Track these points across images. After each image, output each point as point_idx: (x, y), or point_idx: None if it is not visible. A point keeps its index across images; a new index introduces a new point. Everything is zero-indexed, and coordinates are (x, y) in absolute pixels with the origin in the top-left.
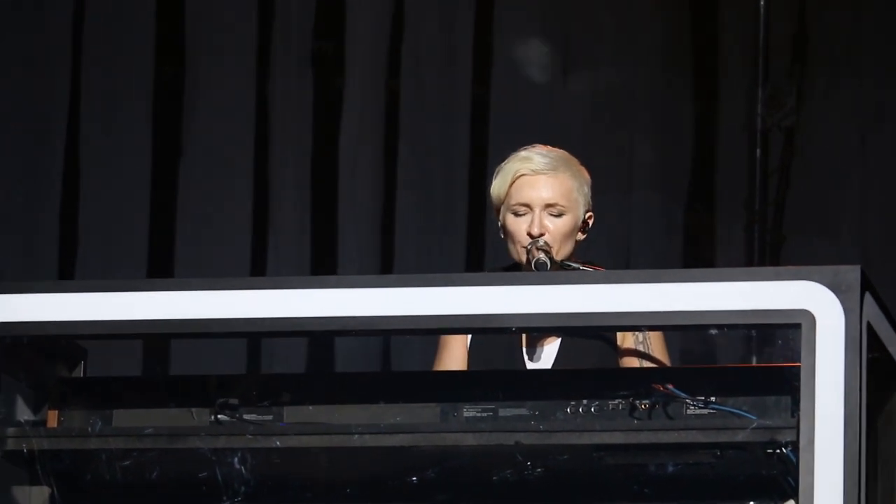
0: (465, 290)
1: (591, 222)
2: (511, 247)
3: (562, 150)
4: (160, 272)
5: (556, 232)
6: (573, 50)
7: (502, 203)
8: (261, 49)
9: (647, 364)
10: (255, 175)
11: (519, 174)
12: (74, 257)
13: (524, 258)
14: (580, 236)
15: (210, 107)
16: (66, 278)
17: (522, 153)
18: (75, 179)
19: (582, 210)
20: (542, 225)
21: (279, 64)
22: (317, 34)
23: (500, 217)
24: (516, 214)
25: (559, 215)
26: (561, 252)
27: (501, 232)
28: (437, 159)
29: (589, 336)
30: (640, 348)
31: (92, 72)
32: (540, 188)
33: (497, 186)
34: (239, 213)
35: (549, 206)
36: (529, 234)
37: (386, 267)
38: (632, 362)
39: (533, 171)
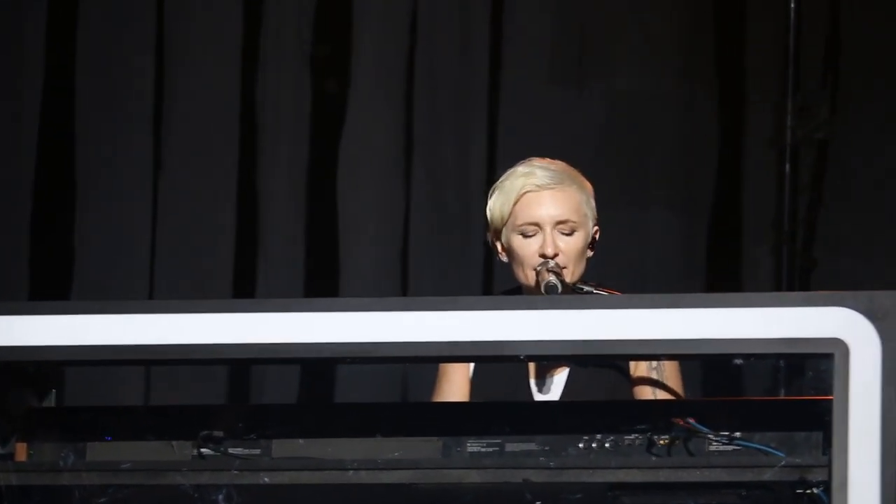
0: (471, 314)
1: (597, 237)
2: (519, 270)
3: (561, 162)
4: (147, 293)
5: (570, 251)
6: (587, 57)
7: (505, 224)
8: (249, 49)
9: (659, 394)
10: (244, 192)
11: (523, 191)
12: (67, 277)
13: (534, 282)
14: (589, 253)
15: (192, 115)
16: (38, 300)
17: (521, 168)
18: (47, 194)
19: (591, 225)
20: (555, 245)
21: (270, 67)
22: (317, 34)
23: (503, 239)
24: (524, 235)
25: (571, 233)
26: (575, 272)
27: (504, 255)
28: (451, 173)
29: (599, 364)
30: (654, 376)
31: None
32: (548, 205)
33: (498, 206)
34: (226, 234)
35: (559, 223)
36: (543, 256)
37: (392, 295)
38: (644, 392)
39: (538, 186)
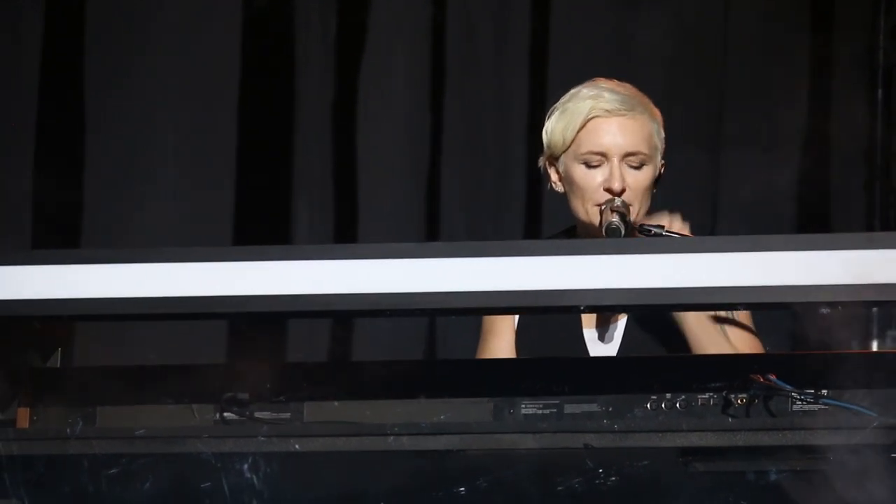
0: (524, 260)
1: (663, 173)
2: (578, 204)
3: (630, 86)
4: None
5: (638, 187)
6: None
7: (566, 150)
8: None
9: (729, 334)
10: (267, 125)
11: (591, 116)
12: (75, 223)
13: (597, 220)
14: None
15: (208, 43)
16: (42, 246)
17: (586, 90)
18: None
19: (659, 159)
20: (622, 180)
21: None
22: None
23: (561, 167)
24: (588, 165)
25: (640, 167)
26: (641, 211)
27: (559, 184)
28: (489, 108)
29: (660, 327)
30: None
31: None
32: (617, 134)
33: (560, 130)
34: (249, 171)
35: (629, 155)
36: (609, 191)
37: (427, 239)
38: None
39: (607, 111)
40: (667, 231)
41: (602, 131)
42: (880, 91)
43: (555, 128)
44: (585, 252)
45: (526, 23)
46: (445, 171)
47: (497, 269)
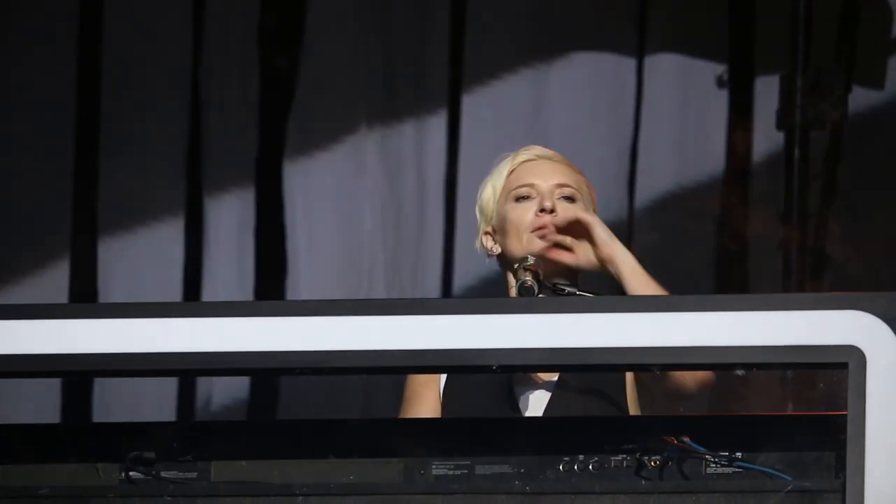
0: (437, 319)
1: None
2: (514, 241)
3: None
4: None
5: None
6: (560, 27)
7: (497, 201)
8: (194, 24)
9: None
10: (188, 177)
11: (520, 160)
12: None
13: (536, 246)
14: None
15: (131, 93)
16: None
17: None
18: None
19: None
20: (554, 202)
21: (215, 40)
22: (264, 6)
23: (495, 221)
24: (519, 199)
25: (571, 200)
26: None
27: (496, 247)
28: (409, 162)
29: (590, 386)
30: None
31: None
32: (546, 170)
33: (490, 185)
34: (167, 224)
35: (559, 186)
36: (542, 210)
37: (348, 292)
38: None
39: (537, 156)
40: (580, 291)
41: (531, 168)
42: (797, 150)
43: (485, 189)
44: (498, 311)
45: (444, 95)
46: (368, 224)
47: (410, 328)
